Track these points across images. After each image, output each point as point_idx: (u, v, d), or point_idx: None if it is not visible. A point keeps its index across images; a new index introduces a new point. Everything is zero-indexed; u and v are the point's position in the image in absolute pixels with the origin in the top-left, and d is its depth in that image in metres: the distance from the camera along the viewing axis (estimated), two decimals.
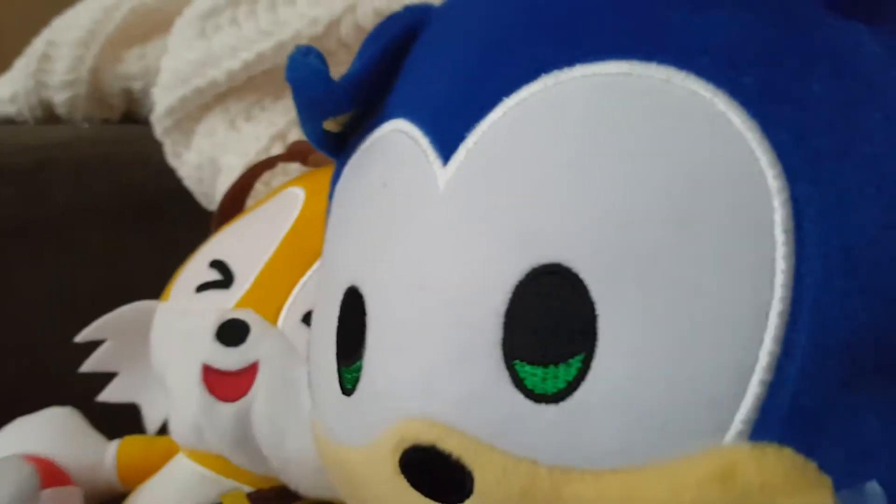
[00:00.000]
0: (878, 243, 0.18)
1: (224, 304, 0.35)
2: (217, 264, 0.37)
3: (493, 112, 0.22)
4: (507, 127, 0.22)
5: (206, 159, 0.47)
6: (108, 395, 0.41)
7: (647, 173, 0.19)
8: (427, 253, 0.22)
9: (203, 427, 0.34)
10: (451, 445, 0.21)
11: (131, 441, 0.40)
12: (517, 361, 0.20)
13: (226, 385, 0.34)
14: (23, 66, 0.57)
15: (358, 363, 0.24)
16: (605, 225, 0.19)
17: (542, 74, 0.21)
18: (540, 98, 0.21)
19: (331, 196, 0.28)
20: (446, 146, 0.23)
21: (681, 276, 0.19)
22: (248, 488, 0.36)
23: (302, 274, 0.35)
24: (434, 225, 0.22)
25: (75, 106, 0.59)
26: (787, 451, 0.18)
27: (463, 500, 0.21)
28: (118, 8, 0.58)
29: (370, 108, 0.27)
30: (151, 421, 0.41)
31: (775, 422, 0.18)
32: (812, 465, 0.18)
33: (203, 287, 0.37)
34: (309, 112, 0.26)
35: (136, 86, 0.59)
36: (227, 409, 0.33)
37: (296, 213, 0.37)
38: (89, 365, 0.40)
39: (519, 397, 0.20)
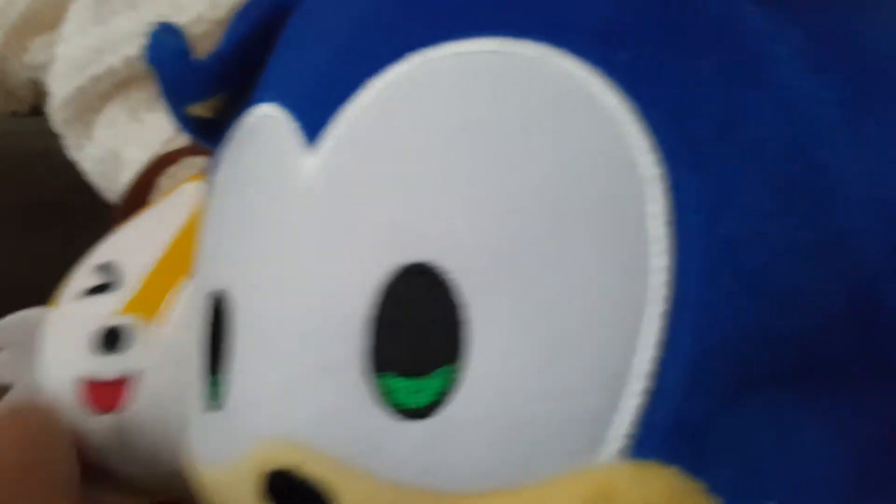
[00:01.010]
0: (764, 234, 0.16)
1: (109, 309, 0.33)
2: (104, 267, 0.35)
3: (361, 95, 0.20)
4: (374, 111, 0.20)
5: (107, 152, 0.45)
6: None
7: (517, 161, 0.18)
8: (289, 252, 0.20)
9: (81, 442, 0.32)
10: (312, 469, 0.19)
11: None
12: (383, 373, 0.18)
13: (101, 396, 0.32)
14: None
15: (222, 377, 0.22)
16: (474, 218, 0.18)
17: (410, 53, 0.19)
18: (407, 79, 0.19)
19: (208, 185, 0.26)
20: (314, 133, 0.21)
21: (553, 274, 0.17)
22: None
23: (182, 276, 0.33)
24: (297, 221, 0.20)
25: None
26: (672, 470, 0.16)
27: None
28: None
29: (244, 90, 0.24)
30: None
31: (657, 437, 0.16)
32: (699, 486, 0.16)
33: (89, 292, 0.34)
34: (171, 96, 0.24)
35: (44, 76, 0.56)
36: (107, 420, 0.31)
37: (188, 209, 0.35)
38: None
39: (382, 413, 0.18)
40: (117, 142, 0.44)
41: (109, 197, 0.48)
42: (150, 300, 0.33)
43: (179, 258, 0.34)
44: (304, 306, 0.19)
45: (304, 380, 0.19)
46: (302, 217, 0.20)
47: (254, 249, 0.21)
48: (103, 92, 0.45)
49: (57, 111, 0.46)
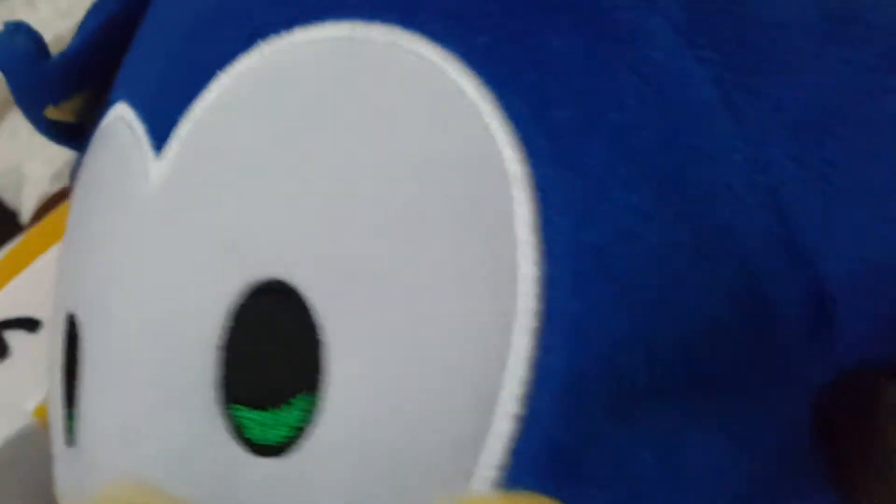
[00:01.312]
0: (636, 236, 0.15)
1: None
2: None
3: (208, 91, 0.18)
4: (221, 108, 0.18)
5: (8, 167, 0.41)
6: None
7: (370, 161, 0.16)
8: (132, 272, 0.18)
9: None
10: None
11: None
12: (235, 405, 0.16)
13: None
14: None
15: (75, 410, 0.19)
16: (325, 228, 0.16)
17: (259, 41, 0.17)
18: (254, 71, 0.17)
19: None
20: (161, 135, 0.18)
21: (412, 289, 0.15)
22: None
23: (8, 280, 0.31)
24: (140, 237, 0.18)
25: None
26: (545, 501, 0.15)
27: None
28: None
29: (100, 91, 0.22)
30: None
31: (530, 465, 0.15)
32: None
33: None
34: (24, 100, 0.22)
35: None
36: None
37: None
38: None
39: (237, 449, 0.16)
40: (19, 155, 0.41)
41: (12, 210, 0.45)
42: None
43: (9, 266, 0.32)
44: (149, 331, 0.17)
45: (150, 413, 0.17)
46: (144, 233, 0.18)
47: (97, 268, 0.19)
48: (3, 99, 0.41)
49: None
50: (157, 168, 0.18)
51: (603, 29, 0.15)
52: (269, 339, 0.16)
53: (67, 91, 0.22)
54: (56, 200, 0.39)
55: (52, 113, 0.23)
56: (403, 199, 0.15)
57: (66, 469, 0.21)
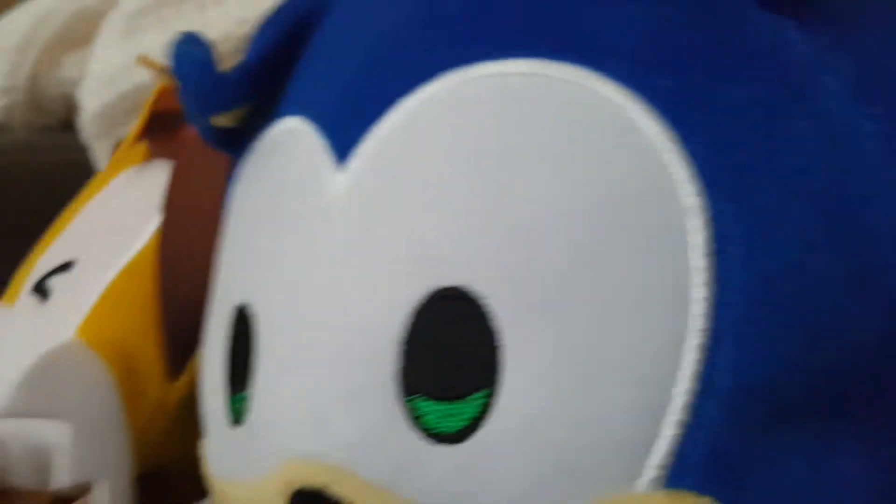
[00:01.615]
0: (803, 268, 0.16)
1: None
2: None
3: (392, 113, 0.20)
4: (405, 131, 0.19)
5: None
6: None
7: (554, 188, 0.17)
8: (317, 272, 0.20)
9: None
10: (342, 490, 0.19)
11: None
12: (415, 397, 0.18)
13: None
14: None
15: (245, 393, 0.21)
16: (509, 244, 0.17)
17: (443, 73, 0.19)
18: (440, 99, 0.19)
19: (228, 197, 0.26)
20: (342, 150, 0.20)
21: (590, 303, 0.17)
22: None
23: (45, 247, 0.33)
24: (326, 241, 0.20)
25: (13, 113, 0.56)
26: (706, 501, 0.16)
27: None
28: (57, 11, 0.56)
29: (268, 100, 0.24)
30: None
31: (693, 467, 0.16)
32: None
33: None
34: (196, 107, 0.24)
35: (76, 91, 0.56)
36: None
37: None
38: None
39: (415, 437, 0.18)
40: None
41: None
42: (13, 288, 0.32)
43: (42, 241, 0.34)
44: (333, 328, 0.19)
45: (335, 402, 0.19)
46: (330, 238, 0.20)
47: (278, 267, 0.21)
48: (129, 108, 0.45)
49: (87, 125, 0.47)
50: (339, 180, 0.20)
51: (780, 81, 0.17)
52: (449, 339, 0.18)
53: (238, 100, 0.24)
54: None
55: (218, 120, 0.24)
56: (586, 223, 0.17)
57: (226, 447, 0.22)
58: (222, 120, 0.24)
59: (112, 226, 0.32)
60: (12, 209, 0.49)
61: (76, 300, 0.30)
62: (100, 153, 0.48)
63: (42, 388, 0.28)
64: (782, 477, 0.16)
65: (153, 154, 0.34)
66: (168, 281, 0.30)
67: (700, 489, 0.16)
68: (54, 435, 0.27)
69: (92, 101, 0.46)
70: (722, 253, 0.16)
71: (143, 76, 0.44)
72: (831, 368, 0.16)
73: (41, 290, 0.31)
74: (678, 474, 0.16)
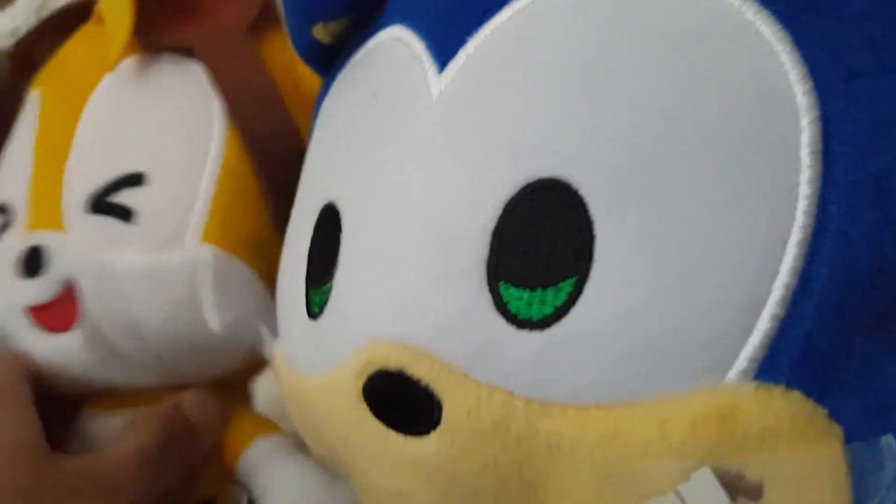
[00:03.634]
0: None
1: (13, 242, 0.32)
2: None
3: (498, 15, 0.20)
4: (512, 31, 0.20)
5: None
6: None
7: (666, 85, 0.18)
8: (413, 165, 0.20)
9: (63, 366, 0.31)
10: (421, 371, 0.19)
11: None
12: (502, 283, 0.18)
13: (55, 316, 0.31)
14: (25, 1, 0.55)
15: (328, 285, 0.22)
16: (614, 138, 0.18)
17: None
18: (545, 3, 0.19)
19: (315, 115, 0.27)
20: (444, 53, 0.21)
21: (694, 197, 0.17)
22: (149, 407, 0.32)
23: (63, 166, 0.31)
24: (423, 136, 0.20)
25: None
26: (796, 395, 0.16)
27: (428, 433, 0.19)
28: None
29: (364, 17, 0.25)
30: None
31: (785, 362, 0.16)
32: (822, 413, 0.16)
33: None
34: (301, 16, 0.24)
35: None
36: (74, 337, 0.31)
37: (37, 114, 0.34)
38: None
39: (500, 322, 0.18)
40: None
41: None
42: (43, 210, 0.32)
43: (49, 159, 0.32)
44: (427, 217, 0.20)
45: (422, 286, 0.19)
46: (429, 131, 0.20)
47: (373, 163, 0.21)
48: None
49: None
50: (440, 81, 0.21)
51: None
52: (542, 229, 0.18)
53: (340, 11, 0.24)
54: None
55: (318, 31, 0.25)
56: (695, 117, 0.17)
57: (306, 340, 0.23)
58: (321, 33, 0.25)
59: (161, 131, 0.31)
60: None
61: (180, 213, 0.30)
62: None
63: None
64: (875, 380, 0.16)
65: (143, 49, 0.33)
66: (268, 170, 0.30)
67: (789, 383, 0.16)
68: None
69: None
70: (830, 151, 0.16)
71: None
72: None
73: (110, 209, 0.30)
74: (769, 368, 0.16)
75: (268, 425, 0.34)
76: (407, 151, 0.21)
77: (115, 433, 0.32)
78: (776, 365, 0.16)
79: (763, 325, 0.16)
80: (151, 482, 0.29)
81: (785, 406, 0.16)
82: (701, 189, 0.17)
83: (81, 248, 0.30)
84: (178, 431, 0.31)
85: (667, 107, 0.17)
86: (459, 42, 0.20)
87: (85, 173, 0.31)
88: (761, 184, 0.17)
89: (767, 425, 0.16)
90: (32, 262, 0.31)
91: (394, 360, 0.19)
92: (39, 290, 0.30)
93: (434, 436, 0.19)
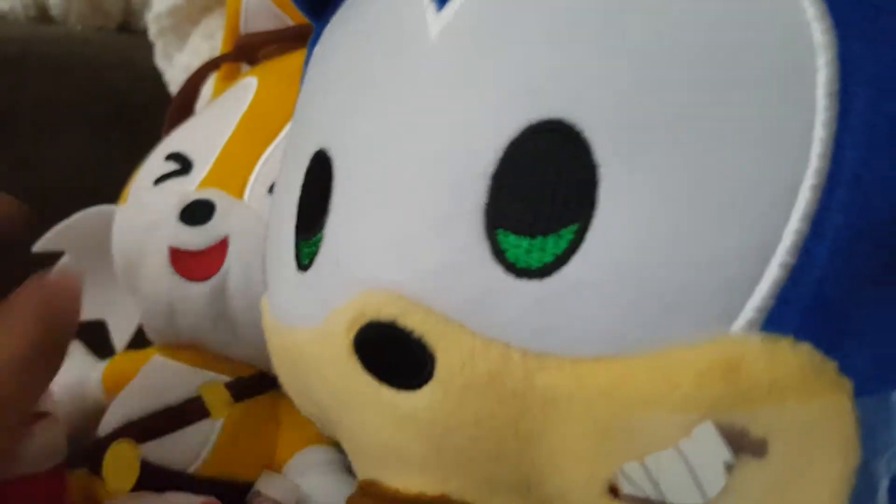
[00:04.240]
0: None
1: (185, 189, 0.34)
2: (173, 156, 0.36)
3: None
4: None
5: (199, 62, 0.45)
6: None
7: (677, 14, 0.17)
8: (409, 106, 0.19)
9: (177, 312, 0.33)
10: (414, 321, 0.18)
11: (119, 358, 0.38)
12: (500, 230, 0.17)
13: (196, 265, 0.32)
14: None
15: (318, 235, 0.21)
16: (621, 77, 0.17)
17: None
18: None
19: (306, 63, 0.26)
20: None
21: (701, 139, 0.16)
22: (226, 378, 0.34)
23: (263, 149, 0.34)
24: (421, 76, 0.19)
25: (70, 9, 0.57)
26: (805, 347, 0.15)
27: (421, 386, 0.18)
28: None
29: None
30: (119, 335, 0.39)
31: (794, 312, 0.16)
32: (831, 365, 0.15)
33: (161, 179, 0.35)
34: None
35: None
36: (201, 289, 0.32)
37: (250, 97, 0.36)
38: None
39: (498, 270, 0.17)
40: (212, 53, 0.44)
41: None
42: (225, 175, 0.34)
43: (248, 136, 0.35)
44: (423, 158, 0.19)
45: (416, 232, 0.18)
46: (426, 71, 0.19)
47: (367, 105, 0.20)
48: (204, 5, 0.45)
49: (156, 19, 0.47)
50: (439, 20, 0.20)
51: None
52: (544, 173, 0.17)
53: None
54: (188, 89, 0.42)
55: None
56: (709, 58, 0.16)
57: (295, 292, 0.22)
58: None
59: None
60: (57, 94, 0.50)
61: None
62: (160, 50, 0.48)
63: None
64: (886, 333, 0.16)
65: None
66: None
67: (798, 334, 0.15)
68: None
69: (162, 1, 0.46)
70: (847, 92, 0.16)
71: None
72: None
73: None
74: (777, 319, 0.16)
75: (322, 437, 0.35)
76: (404, 93, 0.20)
77: (176, 382, 0.33)
78: (785, 315, 0.16)
79: (772, 274, 0.16)
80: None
81: (793, 358, 0.15)
82: (710, 131, 0.16)
83: (250, 215, 0.32)
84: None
85: (677, 45, 0.16)
86: None
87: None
88: (774, 126, 0.16)
89: (775, 377, 0.15)
90: (200, 212, 0.32)
91: (386, 310, 0.19)
92: (196, 237, 0.32)
93: (427, 389, 0.18)
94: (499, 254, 0.17)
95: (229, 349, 0.34)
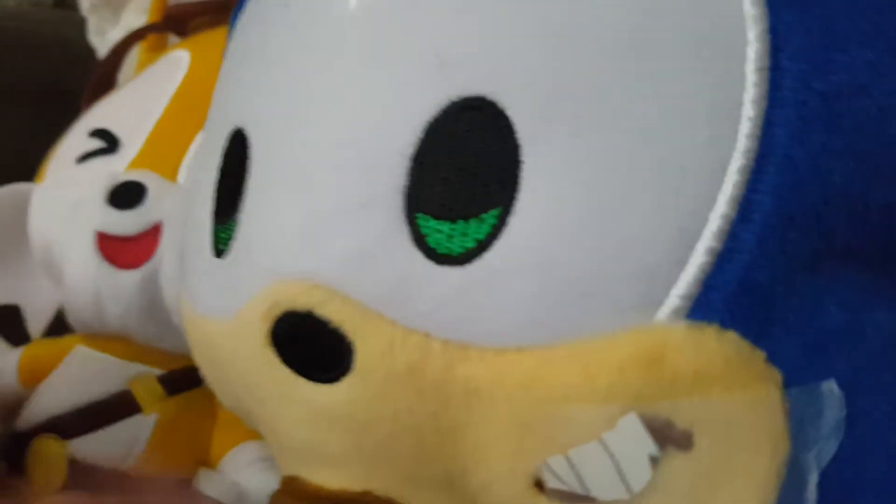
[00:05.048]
0: (867, 92, 0.15)
1: (113, 170, 0.32)
2: (99, 133, 0.34)
3: None
4: None
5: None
6: None
7: None
8: (326, 82, 0.18)
9: (105, 301, 0.31)
10: (330, 311, 0.17)
11: (36, 345, 0.36)
12: (420, 214, 0.17)
13: (126, 251, 0.30)
14: None
15: (233, 220, 0.20)
16: (543, 51, 0.16)
17: None
18: None
19: (230, 35, 0.24)
20: None
21: (626, 117, 0.15)
22: (157, 370, 0.32)
23: (197, 129, 0.32)
24: (337, 50, 0.18)
25: None
26: (731, 336, 0.15)
27: (339, 379, 0.17)
28: None
29: None
30: (35, 320, 0.37)
31: (720, 299, 0.15)
32: (760, 355, 0.15)
33: (85, 157, 0.33)
34: None
35: None
36: (131, 277, 0.30)
37: (182, 72, 0.34)
38: None
39: (418, 256, 0.17)
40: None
41: None
42: (157, 157, 0.32)
43: (181, 116, 0.33)
44: (339, 137, 0.18)
45: (332, 216, 0.17)
46: (343, 47, 0.18)
47: (283, 80, 0.19)
48: None
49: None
50: None
51: None
52: (465, 153, 0.16)
53: None
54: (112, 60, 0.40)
55: None
56: (632, 27, 0.15)
57: (210, 280, 0.21)
58: None
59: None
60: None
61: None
62: (94, 25, 0.47)
63: None
64: (815, 320, 0.15)
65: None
66: None
67: (724, 323, 0.15)
68: None
69: None
70: (778, 68, 0.15)
71: None
72: (885, 210, 0.15)
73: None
74: (702, 306, 0.15)
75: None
76: (321, 66, 0.19)
77: (103, 375, 0.31)
78: (710, 303, 0.15)
79: (697, 259, 0.15)
80: None
81: (719, 347, 0.15)
82: (634, 109, 0.15)
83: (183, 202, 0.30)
84: None
85: (599, 16, 0.16)
86: None
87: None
88: (700, 103, 0.15)
89: (699, 368, 0.15)
90: (131, 196, 0.31)
91: (302, 300, 0.18)
92: (127, 222, 0.30)
93: (345, 382, 0.17)
94: (419, 239, 0.17)
95: (161, 340, 0.32)
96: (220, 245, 0.20)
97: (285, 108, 0.19)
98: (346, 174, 0.17)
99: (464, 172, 0.16)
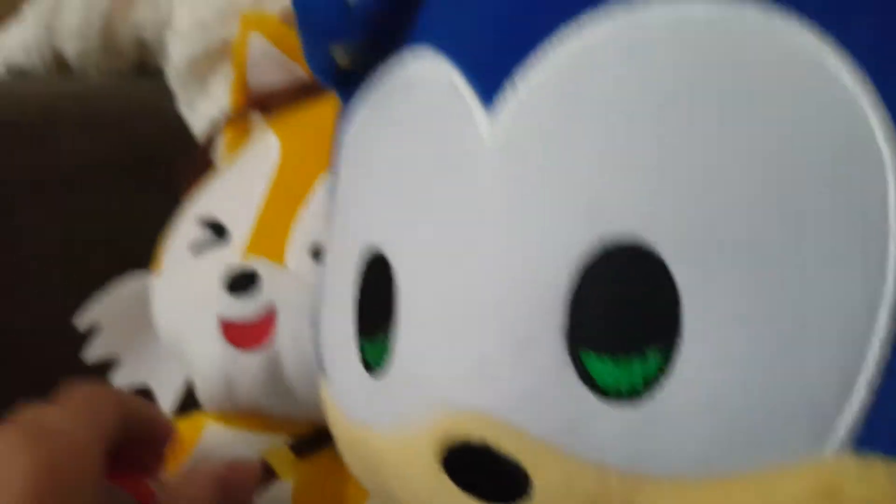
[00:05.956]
0: None
1: (226, 259, 0.34)
2: (206, 223, 0.36)
3: (552, 52, 0.18)
4: (570, 72, 0.18)
5: (222, 111, 0.45)
6: (117, 382, 0.39)
7: (743, 138, 0.17)
8: (473, 217, 0.19)
9: (234, 381, 0.33)
10: (508, 446, 0.18)
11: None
12: (586, 352, 0.18)
13: (247, 335, 0.33)
14: (34, 14, 0.55)
15: (382, 338, 0.21)
16: (694, 197, 0.17)
17: (613, 11, 0.18)
18: (612, 41, 0.18)
19: (341, 135, 0.25)
20: (490, 90, 0.19)
21: (780, 261, 0.16)
22: (283, 438, 0.35)
23: (295, 212, 0.35)
24: (481, 184, 0.19)
25: (87, 56, 0.57)
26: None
27: (516, 502, 0.19)
28: None
29: (381, 38, 0.23)
30: (165, 399, 0.40)
31: (883, 431, 0.16)
32: None
33: (198, 247, 0.36)
34: (316, 38, 0.23)
35: (149, 35, 0.56)
36: (255, 357, 0.33)
37: (273, 159, 0.37)
38: (92, 356, 0.39)
39: (588, 395, 0.18)
40: None
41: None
42: (264, 243, 0.34)
43: (280, 200, 0.35)
44: (494, 278, 0.19)
45: (499, 354, 0.19)
46: (486, 182, 0.19)
47: (426, 211, 0.20)
48: (221, 50, 0.45)
49: (175, 69, 0.47)
50: (490, 123, 0.19)
51: None
52: (623, 293, 0.17)
53: (356, 30, 0.23)
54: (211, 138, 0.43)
55: (337, 54, 0.23)
56: (777, 178, 0.16)
57: (365, 394, 0.22)
58: (340, 54, 0.23)
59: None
60: (85, 152, 0.50)
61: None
62: (183, 98, 0.49)
63: None
64: None
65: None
66: None
67: (889, 453, 0.16)
68: None
69: (185, 46, 0.46)
70: None
71: (232, 30, 0.44)
72: None
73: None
74: (868, 438, 0.16)
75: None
76: (465, 202, 0.19)
77: (238, 449, 0.34)
78: (874, 435, 0.16)
79: (860, 394, 0.16)
80: None
81: (887, 479, 0.16)
82: (790, 253, 0.16)
83: (294, 284, 0.33)
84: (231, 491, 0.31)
85: (747, 164, 0.17)
86: (507, 80, 0.19)
87: (317, 224, 0.34)
88: (850, 247, 0.16)
89: (870, 499, 0.16)
90: (246, 282, 0.33)
91: (477, 433, 0.19)
92: (245, 308, 0.33)
93: None
94: (585, 376, 0.18)
95: (287, 412, 0.35)
96: (370, 360, 0.22)
97: (430, 238, 0.20)
98: (507, 315, 0.18)
99: (622, 311, 0.17)
